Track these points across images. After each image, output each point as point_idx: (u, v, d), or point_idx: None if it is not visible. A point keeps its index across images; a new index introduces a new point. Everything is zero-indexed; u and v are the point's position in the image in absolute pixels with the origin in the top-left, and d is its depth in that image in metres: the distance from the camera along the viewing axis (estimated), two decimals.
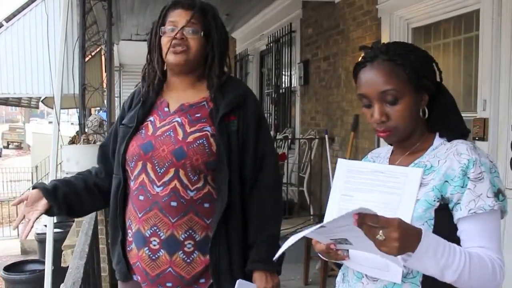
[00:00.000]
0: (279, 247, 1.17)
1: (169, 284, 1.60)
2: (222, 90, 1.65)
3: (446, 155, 1.19)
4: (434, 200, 1.15)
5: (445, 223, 1.15)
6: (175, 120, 1.64)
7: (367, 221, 1.00)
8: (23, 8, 5.24)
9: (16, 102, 9.76)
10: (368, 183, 1.23)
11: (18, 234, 11.52)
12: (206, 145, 1.58)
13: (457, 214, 1.15)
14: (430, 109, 1.25)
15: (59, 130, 5.01)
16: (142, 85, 1.73)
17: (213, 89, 1.65)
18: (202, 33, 1.62)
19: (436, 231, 1.13)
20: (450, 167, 1.16)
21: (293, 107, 6.64)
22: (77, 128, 11.30)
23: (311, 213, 5.43)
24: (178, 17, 1.63)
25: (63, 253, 4.68)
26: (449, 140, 1.24)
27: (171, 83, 1.72)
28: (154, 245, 1.59)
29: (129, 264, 1.67)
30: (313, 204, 5.45)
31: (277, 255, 1.21)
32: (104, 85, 6.67)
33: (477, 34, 3.47)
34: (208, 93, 1.66)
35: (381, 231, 1.00)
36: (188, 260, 1.59)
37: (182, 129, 1.61)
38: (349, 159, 4.80)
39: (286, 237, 1.16)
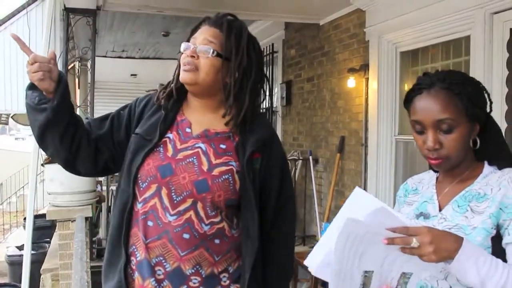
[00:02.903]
0: None
1: None
2: (248, 125, 1.54)
3: (499, 183, 1.20)
4: (492, 228, 1.16)
5: (502, 251, 1.16)
6: (198, 145, 1.52)
7: (398, 232, 1.05)
8: (3, 21, 5.10)
9: None
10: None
11: None
12: (231, 181, 1.48)
13: (505, 239, 1.16)
14: (480, 138, 1.25)
15: (39, 148, 4.85)
16: (160, 96, 1.59)
17: (231, 123, 1.53)
18: (215, 53, 1.48)
19: None
20: (505, 195, 1.17)
21: (274, 127, 6.64)
22: None
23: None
24: (200, 34, 1.52)
25: (41, 277, 4.50)
26: (500, 168, 1.24)
27: (190, 101, 1.60)
28: (159, 275, 1.47)
29: None
30: (297, 225, 5.41)
31: None
32: (78, 102, 6.55)
33: (466, 59, 3.55)
34: (235, 127, 1.55)
35: (414, 238, 1.04)
36: None
37: (207, 158, 1.50)
38: (336, 182, 4.82)
39: None
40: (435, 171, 1.35)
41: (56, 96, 1.45)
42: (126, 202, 1.51)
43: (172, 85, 1.58)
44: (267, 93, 1.68)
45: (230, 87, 1.51)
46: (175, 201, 1.46)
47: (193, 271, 1.47)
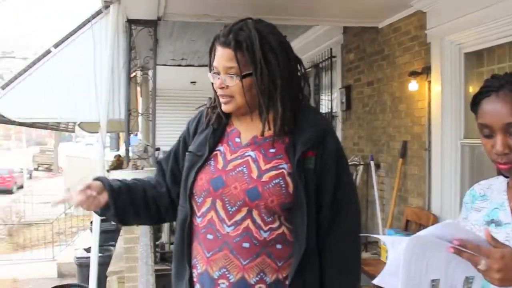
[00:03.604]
0: None
1: None
2: (300, 123, 1.51)
3: None
4: None
5: None
6: (248, 154, 1.51)
7: (468, 248, 1.00)
8: (71, 34, 5.32)
9: (55, 125, 9.92)
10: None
11: (53, 257, 11.62)
12: (283, 185, 1.45)
13: None
14: None
15: (104, 154, 5.04)
16: (209, 115, 1.60)
17: (273, 131, 1.50)
18: (239, 77, 1.46)
19: None
20: None
21: None
22: (110, 152, 11.38)
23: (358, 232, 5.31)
24: (218, 59, 1.48)
25: (107, 279, 4.66)
26: None
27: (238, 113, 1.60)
28: None
29: None
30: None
31: None
32: (140, 110, 6.74)
33: None
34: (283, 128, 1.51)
35: (483, 261, 0.99)
36: None
37: (257, 165, 1.48)
38: (399, 188, 4.71)
39: None
40: (505, 177, 1.29)
41: (111, 209, 1.55)
42: (185, 218, 1.55)
43: (218, 110, 1.58)
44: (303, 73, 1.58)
45: (259, 99, 1.49)
46: (231, 212, 1.47)
47: (257, 279, 1.46)
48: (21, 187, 27.91)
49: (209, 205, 1.50)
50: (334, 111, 6.55)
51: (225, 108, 1.52)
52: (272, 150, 1.51)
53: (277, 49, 1.48)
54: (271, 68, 1.47)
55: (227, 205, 1.48)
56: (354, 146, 5.92)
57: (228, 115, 1.60)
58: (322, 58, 6.76)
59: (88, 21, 5.27)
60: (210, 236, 1.49)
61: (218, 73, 1.50)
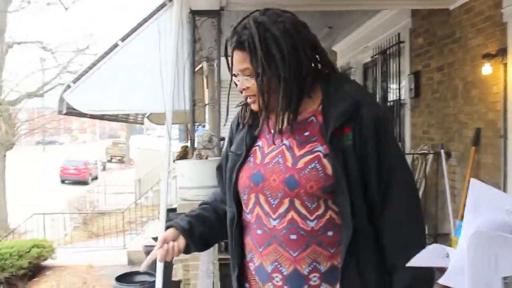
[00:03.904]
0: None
1: None
2: (331, 97, 1.43)
3: None
4: None
5: None
6: (282, 143, 1.47)
7: None
8: (137, 27, 5.43)
9: (124, 118, 10.24)
10: None
11: (124, 245, 12.06)
12: (320, 168, 1.38)
13: None
14: None
15: (170, 145, 5.12)
16: (242, 110, 1.58)
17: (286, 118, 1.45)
18: (253, 77, 1.41)
19: None
20: None
21: (402, 120, 6.36)
22: (178, 143, 11.64)
23: (426, 232, 5.12)
24: (233, 63, 1.45)
25: (174, 267, 4.75)
26: None
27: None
28: (277, 281, 1.44)
29: None
30: (428, 223, 5.14)
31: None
32: (206, 101, 6.81)
33: None
34: (316, 107, 1.45)
35: None
36: None
37: (291, 153, 1.43)
38: (479, 180, 4.48)
39: None
40: None
41: (191, 248, 1.59)
42: (232, 218, 1.54)
43: (248, 113, 1.55)
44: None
45: (274, 87, 1.42)
46: (274, 205, 1.43)
47: (310, 268, 1.42)
48: (95, 178, 29.16)
49: (254, 201, 1.48)
50: (402, 98, 6.34)
51: (253, 107, 1.49)
52: (306, 134, 1.45)
53: (280, 38, 1.40)
54: (275, 63, 1.40)
55: (270, 198, 1.44)
56: (424, 135, 5.69)
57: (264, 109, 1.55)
58: (389, 44, 6.54)
59: (153, 14, 5.36)
60: (259, 231, 1.47)
61: (236, 76, 1.47)
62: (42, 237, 12.27)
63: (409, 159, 5.71)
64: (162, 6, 5.31)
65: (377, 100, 7.13)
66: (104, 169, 34.73)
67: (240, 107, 1.60)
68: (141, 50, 5.44)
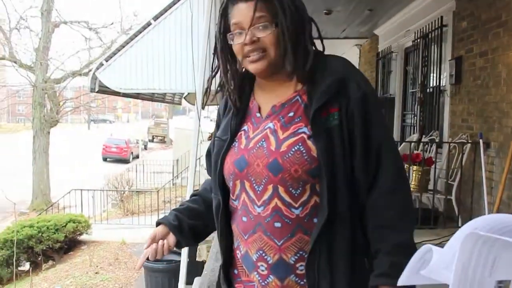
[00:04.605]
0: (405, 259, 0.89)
1: None
2: (316, 76, 1.34)
3: None
4: None
5: None
6: (267, 126, 1.38)
7: None
8: (169, 6, 5.38)
9: (161, 98, 10.28)
10: None
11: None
12: (304, 151, 1.30)
13: None
14: None
15: (199, 126, 5.07)
16: (223, 94, 1.49)
17: (301, 80, 1.37)
18: (274, 25, 1.33)
19: None
20: None
21: (441, 108, 6.11)
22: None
23: (459, 224, 4.90)
24: (242, 16, 1.34)
25: (198, 247, 4.74)
26: None
27: (260, 83, 1.46)
28: (262, 270, 1.37)
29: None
30: (462, 214, 4.92)
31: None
32: None
33: None
34: (301, 86, 1.38)
35: None
36: (302, 283, 1.35)
37: (275, 136, 1.35)
38: (509, 170, 4.24)
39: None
40: None
41: (182, 243, 1.54)
42: (218, 205, 1.47)
43: (235, 80, 1.44)
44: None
45: (284, 51, 1.35)
46: (258, 191, 1.36)
47: (297, 257, 1.34)
48: (137, 157, 29.71)
49: (239, 187, 1.41)
50: (442, 85, 6.07)
51: (257, 66, 1.36)
52: (290, 114, 1.37)
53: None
54: (294, 18, 1.36)
55: (254, 184, 1.37)
56: (463, 123, 5.44)
57: (249, 92, 1.47)
58: (431, 27, 6.26)
59: None
60: (244, 219, 1.40)
61: (243, 29, 1.35)
62: (79, 212, 12.58)
63: (445, 148, 5.48)
64: None
65: (417, 86, 6.89)
66: (145, 148, 35.35)
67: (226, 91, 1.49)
68: (173, 29, 5.40)
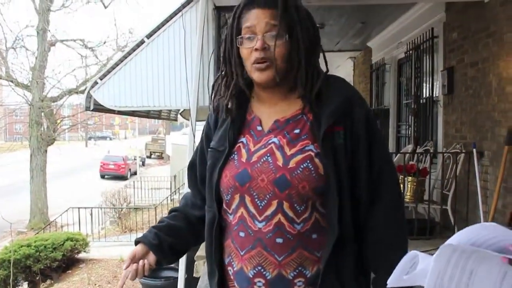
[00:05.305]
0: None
1: None
2: (322, 96, 1.36)
3: None
4: None
5: None
6: (271, 141, 1.38)
7: None
8: (162, 24, 5.42)
9: (156, 114, 10.30)
10: None
11: None
12: (312, 168, 1.31)
13: None
14: None
15: (194, 142, 5.08)
16: (221, 101, 1.46)
17: (307, 99, 1.37)
18: (287, 36, 1.33)
19: None
20: None
21: (435, 118, 6.14)
22: None
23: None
24: (256, 20, 1.34)
25: (195, 263, 4.72)
26: None
27: (259, 95, 1.45)
28: (259, 286, 1.36)
29: None
30: (458, 224, 4.93)
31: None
32: None
33: None
34: (305, 103, 1.39)
35: None
36: None
37: (281, 152, 1.35)
38: (503, 179, 4.26)
39: None
40: None
41: (163, 261, 1.53)
42: (212, 219, 1.44)
43: (241, 85, 1.43)
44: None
45: (298, 66, 1.37)
46: (261, 207, 1.35)
47: (295, 273, 1.34)
48: (134, 173, 29.66)
49: (238, 201, 1.39)
50: (435, 95, 6.11)
51: (262, 76, 1.36)
52: (296, 131, 1.37)
53: (308, 15, 1.40)
54: (311, 33, 1.38)
55: (256, 199, 1.35)
56: (456, 133, 5.47)
57: (246, 102, 1.46)
58: (423, 39, 6.32)
59: (178, 10, 5.34)
60: (242, 234, 1.38)
61: (254, 34, 1.36)
62: (77, 230, 12.53)
63: (440, 158, 5.50)
64: (188, 2, 5.28)
65: (410, 97, 6.93)
66: (143, 164, 35.28)
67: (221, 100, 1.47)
68: (167, 46, 5.44)
